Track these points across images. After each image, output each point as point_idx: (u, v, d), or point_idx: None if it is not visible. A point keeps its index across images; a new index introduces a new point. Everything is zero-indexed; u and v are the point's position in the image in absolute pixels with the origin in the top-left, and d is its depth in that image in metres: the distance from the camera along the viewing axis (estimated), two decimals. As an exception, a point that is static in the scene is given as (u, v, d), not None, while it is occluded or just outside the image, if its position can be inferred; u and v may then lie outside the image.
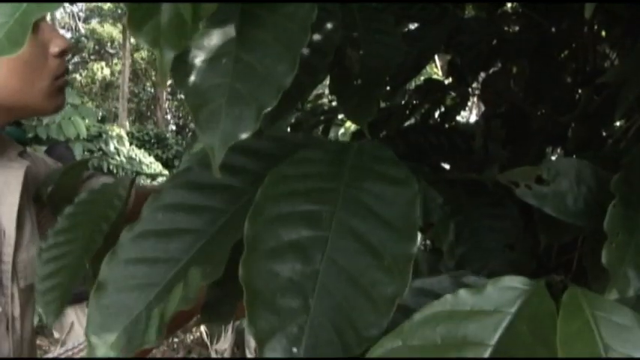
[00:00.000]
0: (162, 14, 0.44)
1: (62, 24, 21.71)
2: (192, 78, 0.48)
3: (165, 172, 7.99)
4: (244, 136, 0.46)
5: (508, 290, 0.42)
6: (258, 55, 0.48)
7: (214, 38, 0.49)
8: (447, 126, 1.23)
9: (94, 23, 21.38)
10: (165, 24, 0.44)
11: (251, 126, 0.46)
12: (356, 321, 0.43)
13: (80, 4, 21.29)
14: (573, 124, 0.99)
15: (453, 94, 1.29)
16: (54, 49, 0.93)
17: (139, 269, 0.51)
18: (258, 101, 0.47)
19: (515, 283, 0.43)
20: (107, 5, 19.63)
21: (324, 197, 0.49)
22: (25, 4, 0.42)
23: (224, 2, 0.49)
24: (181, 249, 0.52)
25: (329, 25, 0.63)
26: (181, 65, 0.47)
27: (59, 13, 19.96)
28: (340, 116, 1.49)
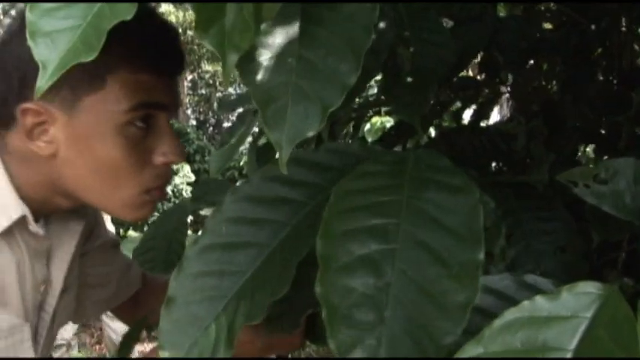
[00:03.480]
0: (226, 17, 0.44)
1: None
2: (258, 76, 0.49)
3: (187, 166, 8.00)
4: (310, 134, 0.47)
5: (583, 295, 0.42)
6: (321, 54, 0.49)
7: (278, 37, 0.50)
8: (483, 125, 1.23)
9: None
10: (229, 27, 0.44)
11: (316, 124, 0.47)
12: (431, 330, 0.44)
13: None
14: (626, 124, 0.98)
15: (486, 91, 1.29)
16: (160, 159, 0.80)
17: (205, 282, 0.52)
18: (322, 100, 0.48)
19: (589, 288, 0.43)
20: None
21: (388, 210, 0.50)
22: (97, 7, 0.43)
23: (286, 2, 0.50)
24: (246, 262, 0.53)
25: (382, 25, 0.63)
26: (247, 63, 0.48)
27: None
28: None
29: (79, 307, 0.99)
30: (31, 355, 0.83)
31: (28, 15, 0.44)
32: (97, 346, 5.34)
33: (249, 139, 1.21)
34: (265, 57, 0.49)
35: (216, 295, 0.51)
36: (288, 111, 0.47)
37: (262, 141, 1.19)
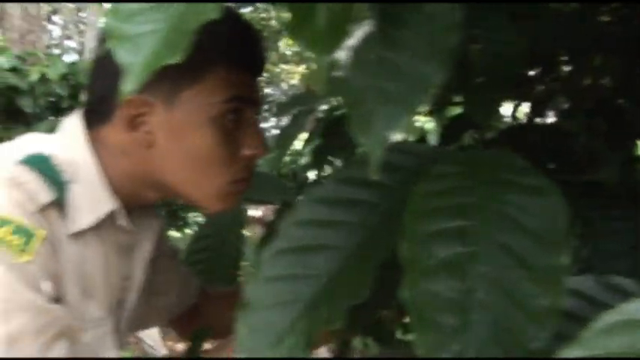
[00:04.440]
0: (318, 18, 0.44)
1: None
2: (342, 78, 0.48)
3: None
4: (397, 136, 0.46)
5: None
6: (403, 55, 0.49)
7: (357, 38, 0.50)
8: (539, 122, 1.21)
9: None
10: (321, 28, 0.44)
11: (402, 126, 0.46)
12: (517, 335, 0.43)
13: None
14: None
15: (540, 88, 1.27)
16: (247, 152, 0.84)
17: (281, 286, 0.52)
18: (407, 101, 0.47)
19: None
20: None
21: (467, 212, 0.49)
22: (179, 9, 0.43)
23: (370, 2, 0.50)
24: (321, 265, 0.52)
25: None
26: (331, 65, 0.48)
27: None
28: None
29: (143, 313, 0.99)
30: (112, 349, 0.85)
31: (109, 19, 0.44)
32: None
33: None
34: (347, 58, 0.49)
35: (292, 299, 0.51)
36: (373, 114, 0.46)
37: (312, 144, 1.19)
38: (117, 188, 0.83)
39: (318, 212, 0.54)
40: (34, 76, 5.00)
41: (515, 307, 0.44)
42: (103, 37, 0.83)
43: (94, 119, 0.84)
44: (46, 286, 0.74)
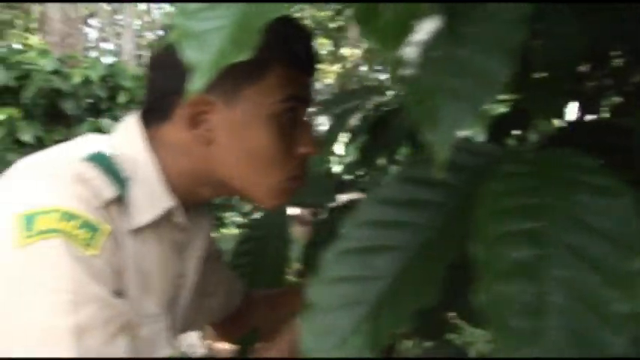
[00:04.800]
0: (385, 14, 0.44)
1: (157, 24, 22.56)
2: (408, 74, 0.47)
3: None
4: (464, 133, 0.45)
5: None
6: (470, 51, 0.48)
7: (425, 34, 0.49)
8: (593, 119, 1.18)
9: None
10: (387, 23, 0.44)
11: (469, 123, 0.45)
12: (594, 340, 0.42)
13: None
14: None
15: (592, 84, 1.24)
16: (301, 150, 0.86)
17: (345, 288, 0.51)
18: (474, 99, 0.46)
19: None
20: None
21: (537, 213, 0.48)
22: (244, 6, 0.43)
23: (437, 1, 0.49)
24: (386, 266, 0.51)
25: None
26: (397, 61, 0.47)
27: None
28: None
29: (193, 314, 1.00)
30: (167, 346, 0.86)
31: (176, 17, 0.43)
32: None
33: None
34: (413, 55, 0.48)
35: (357, 301, 0.50)
36: (440, 111, 0.45)
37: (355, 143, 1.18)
38: (175, 186, 0.85)
39: (382, 213, 0.54)
40: (76, 79, 5.07)
41: (590, 312, 0.42)
42: (163, 35, 0.86)
43: (153, 118, 0.85)
44: (111, 280, 0.75)
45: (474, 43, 0.48)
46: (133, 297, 0.80)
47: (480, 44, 0.48)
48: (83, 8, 10.56)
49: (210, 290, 1.07)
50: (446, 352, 1.18)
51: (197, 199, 0.89)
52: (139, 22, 19.84)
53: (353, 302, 0.50)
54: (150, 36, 21.94)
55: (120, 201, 0.79)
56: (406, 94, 0.47)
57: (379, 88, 1.21)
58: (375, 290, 0.50)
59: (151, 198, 0.83)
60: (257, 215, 1.34)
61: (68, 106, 5.06)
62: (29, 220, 0.71)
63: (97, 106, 5.27)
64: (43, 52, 5.28)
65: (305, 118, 0.87)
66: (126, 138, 0.85)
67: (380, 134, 1.18)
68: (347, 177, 1.44)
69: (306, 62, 0.86)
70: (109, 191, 0.77)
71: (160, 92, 0.84)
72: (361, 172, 1.41)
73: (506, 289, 0.42)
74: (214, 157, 0.83)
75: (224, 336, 1.20)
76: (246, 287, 1.16)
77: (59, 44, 7.04)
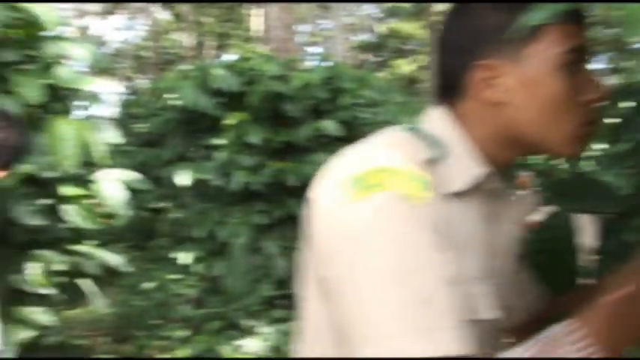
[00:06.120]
0: None
1: (359, 26, 23.10)
2: None
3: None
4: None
5: None
6: None
7: None
8: None
9: (394, 22, 22.31)
10: None
11: None
12: None
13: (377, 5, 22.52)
14: None
15: None
16: (588, 96, 0.89)
17: None
18: None
19: None
20: (406, 5, 20.42)
21: None
22: None
23: None
24: None
25: None
26: None
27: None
28: None
29: (510, 294, 0.97)
30: (488, 311, 0.88)
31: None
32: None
33: None
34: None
35: None
36: None
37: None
38: (481, 154, 0.91)
39: None
40: (298, 82, 5.28)
41: None
42: (445, 18, 0.94)
43: (448, 98, 0.93)
44: (439, 227, 0.81)
45: None
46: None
47: None
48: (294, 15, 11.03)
49: (519, 288, 1.03)
50: None
51: (499, 165, 0.93)
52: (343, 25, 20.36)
53: None
54: (354, 38, 22.46)
55: (435, 166, 0.86)
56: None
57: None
58: None
59: (464, 166, 0.89)
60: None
61: (290, 109, 5.27)
62: (360, 179, 0.80)
63: (319, 107, 5.44)
64: (268, 59, 5.56)
65: (587, 67, 0.90)
66: (431, 120, 0.93)
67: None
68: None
69: (580, 14, 0.89)
70: (426, 153, 0.86)
71: (449, 72, 0.92)
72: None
73: None
74: (512, 117, 0.88)
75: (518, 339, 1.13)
76: (545, 293, 1.08)
77: (280, 50, 7.40)
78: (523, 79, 0.87)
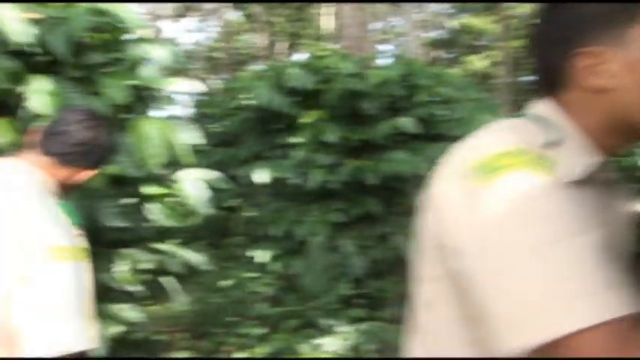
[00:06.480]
0: None
1: (430, 23, 22.88)
2: None
3: None
4: None
5: None
6: None
7: None
8: None
9: (465, 18, 21.99)
10: None
11: None
12: None
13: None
14: None
15: None
16: None
17: None
18: None
19: None
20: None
21: None
22: None
23: None
24: None
25: None
26: None
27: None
28: None
29: None
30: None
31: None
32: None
33: None
34: None
35: None
36: None
37: None
38: (592, 143, 0.90)
39: None
40: (374, 80, 5.23)
41: None
42: (535, 16, 0.94)
43: (551, 90, 0.92)
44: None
45: None
46: None
47: None
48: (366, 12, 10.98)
49: None
50: None
51: (607, 154, 0.93)
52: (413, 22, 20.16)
53: None
54: (425, 35, 22.21)
55: (551, 151, 0.86)
56: None
57: None
58: None
59: (577, 155, 0.88)
60: None
61: (367, 107, 5.23)
62: (485, 165, 0.81)
63: (395, 105, 5.38)
64: (343, 57, 5.53)
65: None
66: (539, 112, 0.92)
67: None
68: None
69: None
70: (543, 137, 0.87)
71: (550, 64, 0.91)
72: None
73: None
74: (619, 103, 0.87)
75: None
76: None
77: (352, 48, 7.37)
78: (628, 63, 0.86)
